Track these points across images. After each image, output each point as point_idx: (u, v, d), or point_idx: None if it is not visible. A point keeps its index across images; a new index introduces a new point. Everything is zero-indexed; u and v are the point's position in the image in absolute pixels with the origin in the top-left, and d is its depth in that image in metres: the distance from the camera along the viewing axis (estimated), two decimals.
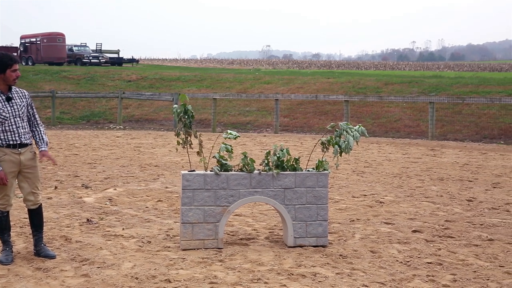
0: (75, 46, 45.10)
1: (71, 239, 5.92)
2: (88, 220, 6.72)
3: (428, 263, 5.25)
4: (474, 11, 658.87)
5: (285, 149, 5.83)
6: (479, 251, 5.64)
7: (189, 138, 5.78)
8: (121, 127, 21.91)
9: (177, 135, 5.77)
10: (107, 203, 7.74)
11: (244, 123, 22.45)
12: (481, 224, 6.73)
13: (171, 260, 5.24)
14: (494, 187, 9.13)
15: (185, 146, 5.78)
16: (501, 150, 14.23)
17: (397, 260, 5.31)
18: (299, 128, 21.01)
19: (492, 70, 49.95)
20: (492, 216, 7.15)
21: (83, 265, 5.10)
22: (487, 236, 6.18)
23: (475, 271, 5.01)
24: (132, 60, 46.16)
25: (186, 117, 5.71)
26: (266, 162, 5.81)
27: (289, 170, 5.82)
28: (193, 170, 5.72)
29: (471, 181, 9.68)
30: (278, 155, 5.78)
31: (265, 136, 18.57)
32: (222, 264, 5.15)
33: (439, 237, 6.17)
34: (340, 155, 5.84)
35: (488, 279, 4.80)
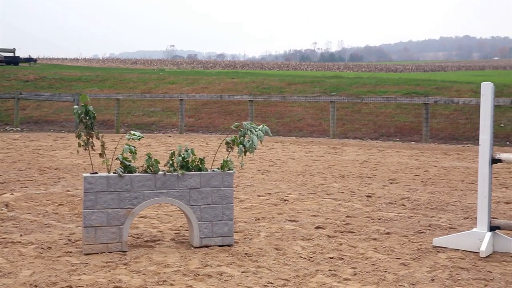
0: None
1: None
2: None
3: (330, 258, 5.41)
4: (371, 14, 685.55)
5: (190, 150, 5.81)
6: (377, 244, 5.89)
7: (90, 139, 5.63)
8: (19, 129, 20.97)
9: (78, 136, 5.60)
10: (3, 208, 7.38)
11: (149, 123, 22.15)
12: (379, 219, 7.02)
13: (73, 266, 5.09)
14: (391, 183, 9.55)
15: (87, 148, 5.63)
16: (397, 147, 14.91)
17: (301, 257, 5.44)
18: (204, 128, 21.00)
19: (388, 70, 52.20)
20: (389, 211, 7.48)
21: None
22: (384, 230, 6.46)
23: (373, 264, 5.22)
24: (29, 60, 44.27)
25: (87, 118, 5.56)
26: (171, 162, 5.77)
27: (194, 171, 5.81)
28: (96, 173, 5.58)
29: (370, 178, 10.07)
30: (183, 155, 5.76)
31: (170, 136, 18.41)
32: (127, 268, 5.06)
33: (341, 232, 6.38)
34: (245, 155, 5.91)
35: (385, 271, 5.02)
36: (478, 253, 5.50)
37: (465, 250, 5.63)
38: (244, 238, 6.10)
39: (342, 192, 8.73)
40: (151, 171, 5.65)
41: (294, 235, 6.25)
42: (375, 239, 6.10)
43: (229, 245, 5.79)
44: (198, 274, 4.89)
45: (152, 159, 5.66)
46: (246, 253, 5.53)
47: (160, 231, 6.38)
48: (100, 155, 5.60)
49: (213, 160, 6.28)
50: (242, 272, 4.98)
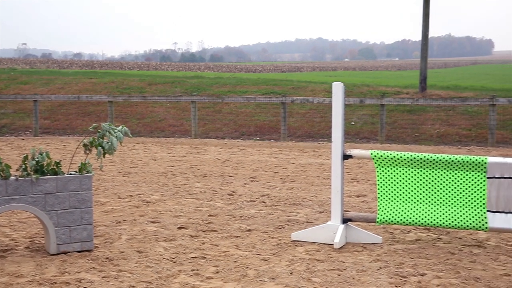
0: None
1: None
2: None
3: (193, 257, 5.44)
4: (231, 15, 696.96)
5: (45, 153, 5.55)
6: (239, 241, 6.01)
7: None
8: None
9: None
10: None
11: None
12: (240, 216, 7.17)
13: None
14: (252, 181, 9.79)
15: None
16: (257, 146, 15.29)
17: (164, 258, 5.41)
18: (61, 130, 20.14)
19: (247, 71, 53.36)
20: (250, 208, 7.66)
21: None
22: (246, 227, 6.61)
23: (235, 261, 5.32)
24: None
25: None
26: (23, 167, 5.47)
27: (50, 175, 5.56)
28: None
29: (231, 176, 10.24)
30: (37, 159, 5.49)
31: (23, 139, 17.44)
32: None
33: (203, 231, 6.43)
34: (104, 157, 5.76)
35: (247, 267, 5.14)
36: (333, 245, 5.80)
37: (321, 243, 5.92)
38: (105, 242, 5.95)
39: (205, 192, 8.80)
40: (2, 176, 5.33)
41: (156, 236, 6.20)
42: (237, 236, 6.22)
43: (88, 250, 5.61)
44: (55, 283, 4.69)
45: (3, 164, 5.34)
46: (106, 258, 5.39)
47: (12, 240, 6.03)
48: None
49: (71, 163, 6.06)
50: (103, 277, 4.85)
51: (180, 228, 6.58)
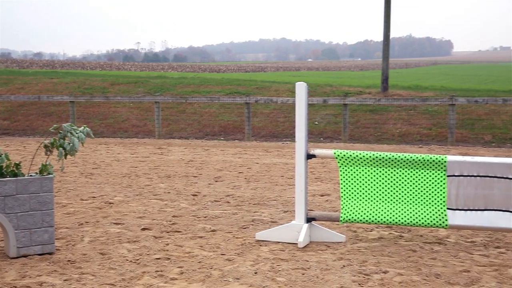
0: None
1: None
2: None
3: (157, 259, 5.40)
4: (194, 15, 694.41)
5: (4, 154, 5.44)
6: (203, 242, 5.99)
7: None
8: None
9: None
10: None
11: None
12: (205, 217, 7.15)
13: None
14: (216, 181, 9.77)
15: None
16: (221, 146, 15.27)
17: (127, 260, 5.36)
18: (21, 131, 19.75)
19: (211, 71, 53.27)
20: (215, 208, 7.65)
21: None
22: (210, 228, 6.59)
23: (200, 262, 5.31)
24: None
25: None
26: None
27: (9, 176, 5.45)
28: None
29: (195, 177, 10.20)
30: None
31: None
32: None
33: (167, 232, 6.40)
34: (66, 158, 5.68)
35: (211, 268, 5.13)
36: (297, 244, 5.84)
37: (285, 242, 5.95)
38: (67, 245, 5.86)
39: (169, 192, 8.75)
40: None
41: (119, 238, 6.13)
42: (201, 237, 6.20)
43: (50, 253, 5.52)
44: (15, 287, 4.60)
45: None
46: (68, 260, 5.32)
47: None
48: None
49: (31, 164, 5.95)
50: (65, 280, 4.78)
51: (143, 229, 6.52)
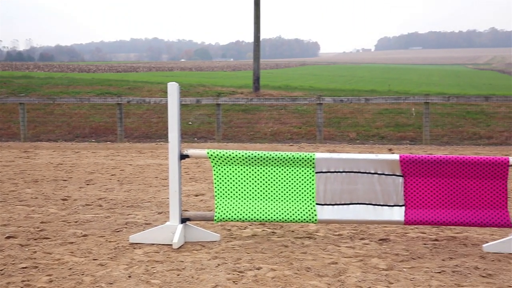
0: None
1: None
2: None
3: (23, 268, 5.13)
4: (61, 13, 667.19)
5: None
6: (74, 248, 5.78)
7: None
8: None
9: None
10: None
11: None
12: (76, 222, 6.90)
13: None
14: (88, 184, 9.47)
15: None
16: (93, 148, 14.81)
17: None
18: None
19: (81, 71, 51.53)
20: (86, 212, 7.41)
21: None
22: (81, 233, 6.38)
23: (70, 268, 5.12)
24: None
25: None
26: None
27: None
28: None
29: (65, 180, 9.82)
30: None
31: None
32: None
33: (35, 239, 6.10)
34: None
35: (83, 274, 4.97)
36: (172, 245, 5.81)
37: (160, 244, 5.89)
38: None
39: (36, 198, 8.34)
40: None
41: None
42: (72, 242, 5.99)
43: None
44: None
45: None
46: None
47: None
48: None
49: None
50: None
51: (8, 237, 6.17)
